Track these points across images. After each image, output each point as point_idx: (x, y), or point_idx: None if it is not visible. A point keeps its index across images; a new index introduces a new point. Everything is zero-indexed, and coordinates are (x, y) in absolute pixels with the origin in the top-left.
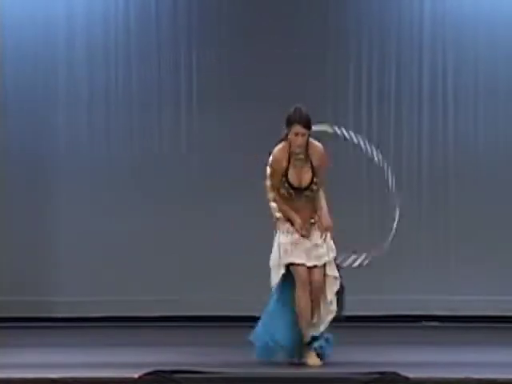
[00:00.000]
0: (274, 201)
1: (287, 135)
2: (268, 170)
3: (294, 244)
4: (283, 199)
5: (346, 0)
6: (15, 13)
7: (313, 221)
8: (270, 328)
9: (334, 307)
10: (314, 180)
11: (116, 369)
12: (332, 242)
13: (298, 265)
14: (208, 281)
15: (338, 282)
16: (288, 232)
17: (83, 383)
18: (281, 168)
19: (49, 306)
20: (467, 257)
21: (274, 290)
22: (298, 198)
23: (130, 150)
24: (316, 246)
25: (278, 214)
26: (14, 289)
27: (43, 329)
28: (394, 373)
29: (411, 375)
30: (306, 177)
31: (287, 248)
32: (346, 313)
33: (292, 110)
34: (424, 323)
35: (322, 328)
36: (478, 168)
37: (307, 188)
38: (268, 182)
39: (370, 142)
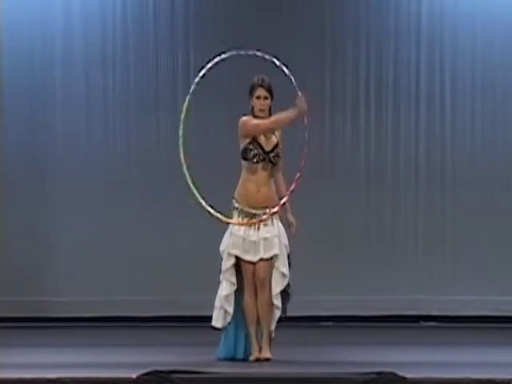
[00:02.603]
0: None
1: (252, 108)
2: (247, 125)
3: (243, 238)
4: (248, 171)
5: (343, 1)
6: (12, 14)
7: (274, 209)
8: (228, 343)
9: (278, 304)
10: (279, 145)
11: (114, 369)
12: (287, 238)
13: (246, 262)
14: (207, 281)
15: (286, 280)
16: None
17: (81, 383)
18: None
19: (48, 305)
20: (465, 257)
21: (222, 274)
22: (263, 167)
23: (127, 151)
24: (265, 239)
25: (237, 205)
26: (13, 289)
27: (43, 329)
28: (392, 373)
29: (409, 375)
30: (272, 140)
31: (237, 241)
32: (343, 313)
33: (255, 78)
34: (422, 323)
35: (273, 326)
36: (475, 167)
37: (273, 150)
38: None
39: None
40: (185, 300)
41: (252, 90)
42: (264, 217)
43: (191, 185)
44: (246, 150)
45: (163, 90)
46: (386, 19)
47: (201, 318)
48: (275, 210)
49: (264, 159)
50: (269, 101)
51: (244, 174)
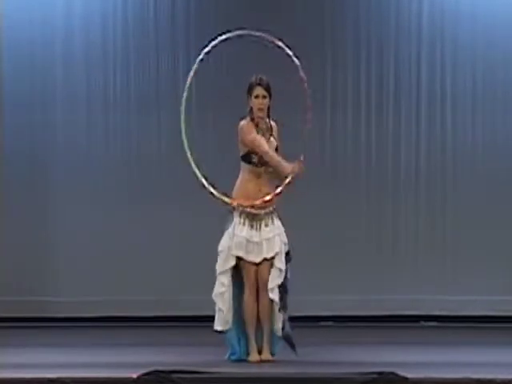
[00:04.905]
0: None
1: (251, 110)
2: (244, 136)
3: (246, 239)
4: (251, 173)
5: (343, 1)
6: (13, 13)
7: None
8: (233, 341)
9: (275, 298)
10: (279, 148)
11: (114, 369)
12: (285, 235)
13: (249, 263)
14: (207, 281)
15: (282, 275)
16: (244, 225)
17: (81, 383)
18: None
19: (48, 305)
20: (466, 257)
21: (218, 275)
22: (265, 170)
23: (128, 151)
24: (267, 239)
25: (235, 203)
26: (14, 289)
27: (43, 329)
28: (393, 373)
29: (410, 375)
30: (272, 144)
31: (241, 241)
32: (343, 313)
33: (253, 77)
34: (423, 323)
35: (280, 325)
36: (475, 167)
37: (275, 151)
38: (250, 138)
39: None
40: (185, 300)
41: (250, 89)
42: (263, 211)
43: (193, 165)
44: (249, 155)
45: (164, 89)
46: (386, 19)
47: (201, 318)
48: (269, 197)
49: (267, 162)
50: (267, 100)
51: (245, 175)
